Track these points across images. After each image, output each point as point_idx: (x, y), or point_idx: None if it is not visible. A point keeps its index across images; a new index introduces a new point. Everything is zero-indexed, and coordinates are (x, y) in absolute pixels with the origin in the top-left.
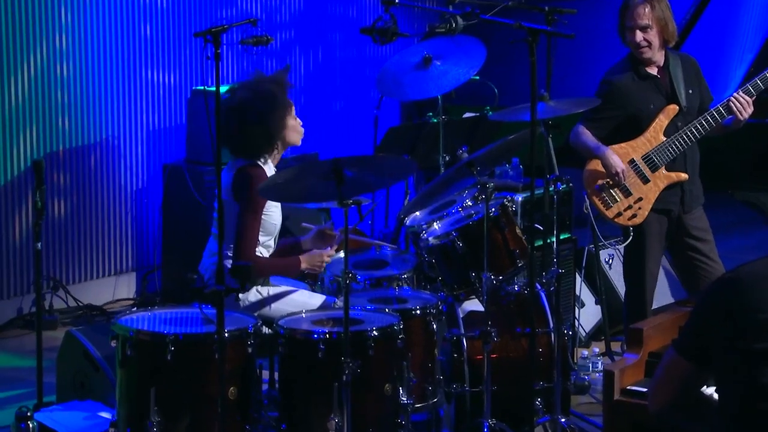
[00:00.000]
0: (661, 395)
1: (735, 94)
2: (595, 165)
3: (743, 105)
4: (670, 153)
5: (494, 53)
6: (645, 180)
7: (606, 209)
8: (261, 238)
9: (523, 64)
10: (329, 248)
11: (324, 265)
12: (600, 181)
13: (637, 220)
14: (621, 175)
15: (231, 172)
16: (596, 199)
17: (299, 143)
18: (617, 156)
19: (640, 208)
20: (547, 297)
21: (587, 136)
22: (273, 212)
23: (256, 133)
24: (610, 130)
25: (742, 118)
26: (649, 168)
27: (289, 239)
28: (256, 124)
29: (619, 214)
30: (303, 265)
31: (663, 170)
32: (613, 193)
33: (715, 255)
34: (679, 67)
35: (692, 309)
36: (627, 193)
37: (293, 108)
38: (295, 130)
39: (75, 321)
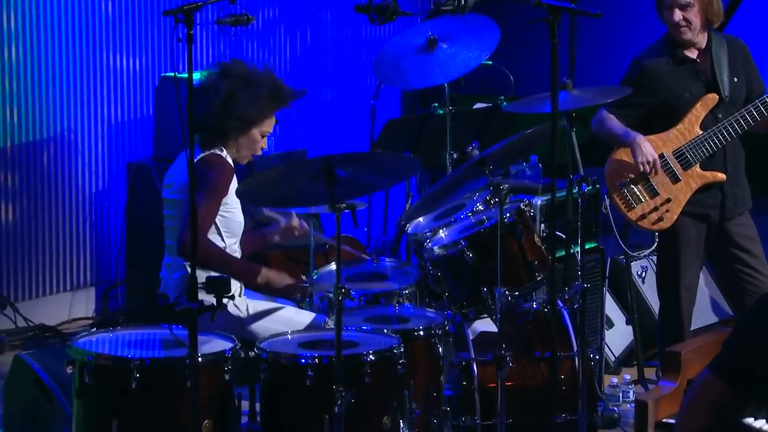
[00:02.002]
0: (692, 421)
1: None
2: (621, 156)
3: None
4: (707, 149)
5: (509, 35)
6: (675, 179)
7: (628, 210)
8: (226, 240)
9: (543, 48)
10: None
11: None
12: (624, 177)
13: (664, 225)
14: (652, 165)
15: (184, 171)
16: (618, 198)
17: (243, 162)
18: (650, 144)
19: (667, 211)
20: (571, 316)
21: (613, 121)
22: (235, 209)
23: (220, 112)
24: (639, 120)
25: None
26: (681, 165)
27: (254, 231)
28: (216, 103)
29: (643, 217)
30: (260, 279)
31: (697, 168)
32: (638, 192)
33: (764, 267)
34: (724, 51)
35: (734, 326)
36: (653, 193)
37: (270, 125)
38: (252, 144)
39: (25, 344)
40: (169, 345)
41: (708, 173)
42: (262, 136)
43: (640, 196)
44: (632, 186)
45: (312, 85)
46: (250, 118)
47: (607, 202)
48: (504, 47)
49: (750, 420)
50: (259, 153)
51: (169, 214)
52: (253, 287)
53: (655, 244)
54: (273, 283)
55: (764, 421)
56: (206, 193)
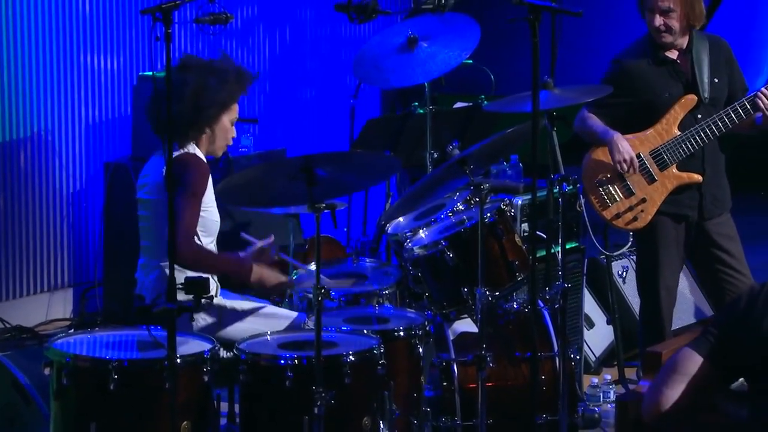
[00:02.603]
0: (670, 391)
1: (763, 89)
2: (600, 155)
3: None
4: (684, 150)
5: (490, 33)
6: (651, 179)
7: (603, 209)
8: (203, 239)
9: (524, 47)
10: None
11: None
12: (600, 176)
13: (638, 225)
14: (629, 163)
15: (162, 168)
16: (593, 197)
17: (218, 154)
18: (627, 143)
19: (642, 211)
20: (552, 316)
21: (594, 120)
22: (211, 208)
23: (183, 107)
24: (618, 119)
25: None
26: (658, 165)
27: (230, 254)
28: (187, 96)
29: (617, 216)
30: (253, 277)
31: (673, 169)
32: (613, 191)
33: (745, 267)
34: (706, 52)
35: (714, 318)
36: (629, 193)
37: (235, 113)
38: (225, 133)
39: (2, 345)
40: (148, 346)
41: (684, 174)
42: (231, 124)
43: (616, 196)
44: (608, 185)
45: (291, 85)
46: (222, 104)
47: (582, 200)
48: (485, 46)
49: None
50: (230, 143)
51: (144, 214)
52: (245, 285)
53: (629, 243)
54: (266, 281)
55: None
56: (187, 197)
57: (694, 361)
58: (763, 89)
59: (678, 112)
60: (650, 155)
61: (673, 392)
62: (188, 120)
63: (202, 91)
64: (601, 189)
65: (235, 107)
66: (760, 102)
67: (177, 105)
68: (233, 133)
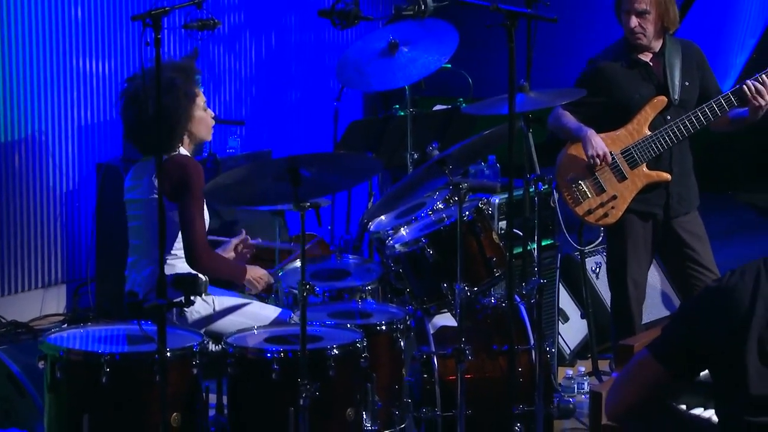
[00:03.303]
0: (625, 398)
1: (748, 81)
2: (574, 151)
3: (762, 91)
4: (654, 149)
5: (468, 39)
6: (622, 177)
7: (575, 205)
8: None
9: (501, 51)
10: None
11: (262, 285)
12: (573, 173)
13: (609, 221)
14: (602, 158)
15: (151, 172)
16: (566, 193)
17: (209, 138)
18: (600, 139)
19: (612, 208)
20: (528, 310)
21: (568, 117)
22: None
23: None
24: (591, 118)
25: (761, 103)
26: (628, 164)
27: (230, 259)
28: (153, 115)
29: (589, 212)
30: (247, 276)
31: (643, 168)
32: (585, 188)
33: (712, 264)
34: (678, 56)
35: (677, 313)
36: (600, 190)
37: (202, 98)
38: (203, 122)
39: None
40: (139, 340)
41: (653, 173)
42: (205, 110)
43: (587, 192)
44: (580, 182)
45: (277, 88)
46: (183, 115)
47: (556, 196)
48: (463, 51)
49: (683, 407)
50: (212, 122)
51: (136, 214)
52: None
53: (600, 238)
54: (255, 276)
55: (702, 409)
56: (194, 201)
57: (647, 362)
58: (748, 81)
59: (648, 112)
60: (621, 154)
61: (627, 393)
62: (178, 116)
63: (172, 88)
64: (573, 185)
65: (195, 95)
66: (747, 91)
67: (147, 118)
68: (210, 114)
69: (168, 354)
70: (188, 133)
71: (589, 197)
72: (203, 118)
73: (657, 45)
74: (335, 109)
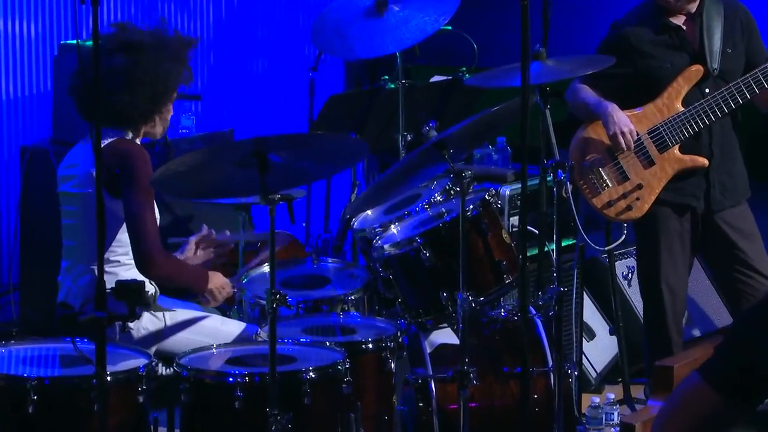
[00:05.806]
0: (673, 428)
1: None
2: (591, 131)
3: None
4: (688, 129)
5: None
6: (648, 162)
7: (593, 196)
8: None
9: (512, 11)
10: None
11: (223, 296)
12: (590, 156)
13: (633, 215)
14: (627, 137)
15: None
16: (581, 182)
17: (159, 136)
18: (625, 115)
19: (637, 199)
20: (545, 325)
21: (587, 91)
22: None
23: (136, 98)
24: (612, 93)
25: None
26: (657, 147)
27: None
28: (145, 83)
29: (609, 204)
30: (209, 285)
31: (675, 151)
32: (605, 175)
33: (765, 266)
34: (719, 18)
35: (731, 330)
36: (622, 178)
37: (175, 93)
38: (168, 114)
39: None
40: (73, 362)
41: (687, 157)
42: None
43: (607, 180)
44: (599, 168)
45: (240, 55)
46: (177, 85)
47: (569, 186)
48: (466, 10)
49: None
50: (168, 122)
51: (71, 210)
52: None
53: (622, 237)
54: (217, 284)
55: None
56: (141, 194)
57: (699, 389)
58: None
59: (681, 84)
60: (648, 135)
61: (677, 427)
62: (142, 110)
63: (162, 77)
64: (590, 173)
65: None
66: None
67: (127, 95)
68: (171, 112)
69: (108, 378)
70: (154, 121)
71: (609, 187)
72: (166, 116)
73: (692, 5)
74: (311, 81)
